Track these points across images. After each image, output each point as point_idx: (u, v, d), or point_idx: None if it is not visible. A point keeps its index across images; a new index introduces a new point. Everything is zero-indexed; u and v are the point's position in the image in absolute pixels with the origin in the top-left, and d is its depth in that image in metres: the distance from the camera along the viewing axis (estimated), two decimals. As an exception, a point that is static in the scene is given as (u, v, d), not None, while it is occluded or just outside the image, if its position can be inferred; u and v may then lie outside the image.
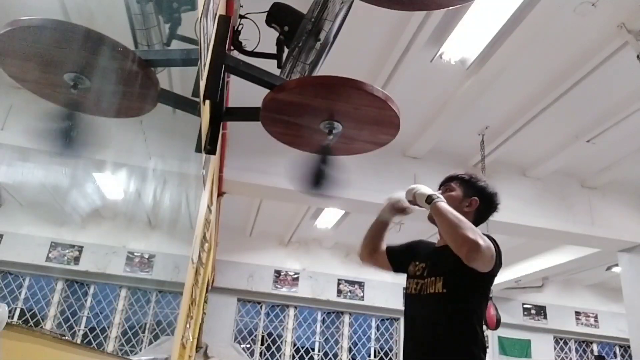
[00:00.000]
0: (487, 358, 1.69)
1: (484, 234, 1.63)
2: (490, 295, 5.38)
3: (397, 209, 1.95)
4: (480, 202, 1.83)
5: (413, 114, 4.49)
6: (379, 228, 2.01)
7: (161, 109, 1.49)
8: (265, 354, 8.02)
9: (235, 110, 2.33)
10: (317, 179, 1.82)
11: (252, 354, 7.94)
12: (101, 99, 1.16)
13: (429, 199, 1.72)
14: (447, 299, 1.69)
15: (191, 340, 3.45)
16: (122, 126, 1.38)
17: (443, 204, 1.69)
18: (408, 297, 1.83)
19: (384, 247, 2.01)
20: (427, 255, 1.85)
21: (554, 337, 9.01)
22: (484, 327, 1.94)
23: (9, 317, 0.69)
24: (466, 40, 3.60)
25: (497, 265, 1.68)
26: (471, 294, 1.70)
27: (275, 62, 2.05)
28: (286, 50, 2.03)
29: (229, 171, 4.64)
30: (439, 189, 1.92)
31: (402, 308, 1.89)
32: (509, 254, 8.43)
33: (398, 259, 1.96)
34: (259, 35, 2.11)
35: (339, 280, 8.38)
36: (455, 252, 1.59)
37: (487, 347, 1.86)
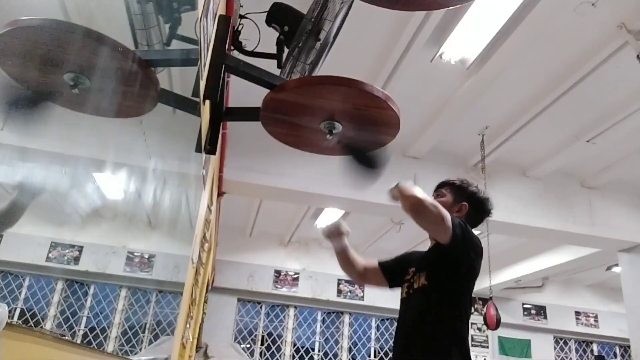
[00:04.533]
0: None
1: (460, 220, 1.71)
2: (490, 295, 5.43)
3: (333, 235, 2.03)
4: (470, 207, 1.88)
5: (413, 114, 4.49)
6: (341, 257, 2.06)
7: (161, 109, 1.49)
8: (265, 354, 8.03)
9: (235, 110, 2.33)
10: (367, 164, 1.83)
11: (252, 354, 7.94)
12: (101, 99, 1.16)
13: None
14: (430, 291, 1.72)
15: (191, 340, 3.45)
16: (122, 126, 1.38)
17: (405, 184, 1.75)
18: (401, 303, 1.85)
19: (363, 266, 2.04)
20: (418, 260, 1.88)
21: (554, 337, 9.01)
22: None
23: (9, 317, 0.69)
24: (466, 40, 3.60)
25: (468, 249, 1.70)
26: (452, 284, 1.72)
27: (275, 62, 2.05)
28: (286, 50, 2.03)
29: (229, 171, 4.63)
30: (433, 195, 1.95)
31: (403, 308, 1.90)
32: (509, 254, 8.39)
33: (392, 272, 1.99)
34: (259, 35, 2.11)
35: (339, 280, 8.37)
36: (406, 212, 1.68)
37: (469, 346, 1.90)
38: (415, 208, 1.67)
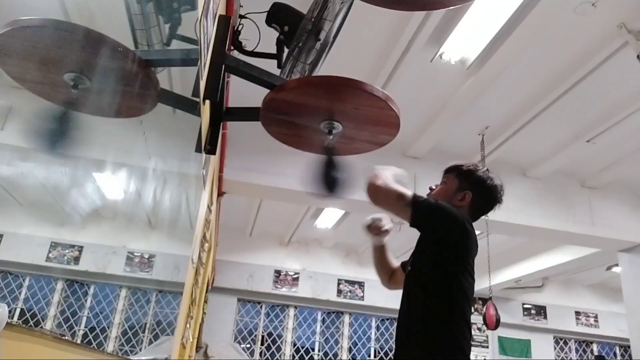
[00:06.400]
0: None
1: (429, 199, 1.68)
2: (490, 295, 5.43)
3: (372, 229, 1.94)
4: (474, 195, 1.75)
5: (413, 114, 4.49)
6: (378, 254, 2.00)
7: (161, 109, 1.49)
8: (265, 354, 8.02)
9: (235, 110, 2.33)
10: (329, 183, 1.81)
11: (252, 354, 7.94)
12: (101, 99, 1.16)
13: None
14: (414, 276, 1.67)
15: (191, 340, 3.44)
16: (122, 126, 1.38)
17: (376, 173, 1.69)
18: None
19: (394, 267, 1.97)
20: None
21: (554, 337, 9.01)
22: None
23: (9, 317, 0.69)
24: (466, 40, 3.60)
25: (438, 222, 1.62)
26: (434, 266, 1.62)
27: (275, 62, 2.05)
28: (286, 50, 2.02)
29: (229, 171, 4.63)
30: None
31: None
32: (509, 254, 8.37)
33: None
34: (259, 35, 2.11)
35: (339, 280, 8.38)
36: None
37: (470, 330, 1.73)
38: (370, 193, 1.66)
